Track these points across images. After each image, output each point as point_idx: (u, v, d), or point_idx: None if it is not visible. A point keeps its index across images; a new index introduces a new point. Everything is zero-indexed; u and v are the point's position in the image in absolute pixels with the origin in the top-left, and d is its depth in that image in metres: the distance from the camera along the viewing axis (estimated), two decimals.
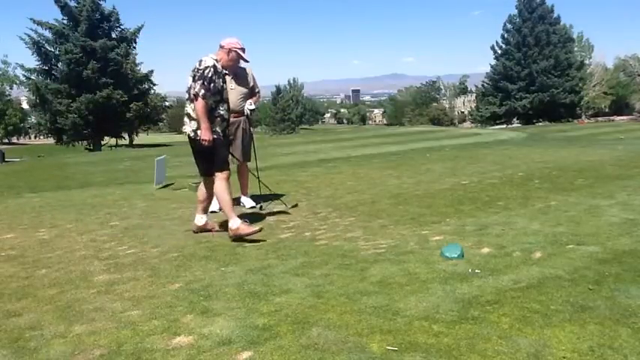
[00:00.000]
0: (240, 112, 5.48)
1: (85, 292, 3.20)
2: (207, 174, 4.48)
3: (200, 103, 4.21)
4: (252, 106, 5.53)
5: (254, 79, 5.66)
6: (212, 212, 5.50)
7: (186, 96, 4.37)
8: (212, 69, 4.26)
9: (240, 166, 5.71)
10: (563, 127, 23.17)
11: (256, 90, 5.68)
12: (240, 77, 5.54)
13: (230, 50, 4.47)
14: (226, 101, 4.45)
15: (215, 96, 4.29)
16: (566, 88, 40.65)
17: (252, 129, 5.73)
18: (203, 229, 4.52)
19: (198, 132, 4.27)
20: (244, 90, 5.53)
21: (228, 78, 5.55)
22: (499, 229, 4.37)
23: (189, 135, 4.39)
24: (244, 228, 4.21)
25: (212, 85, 4.25)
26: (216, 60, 4.35)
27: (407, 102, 73.89)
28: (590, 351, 2.27)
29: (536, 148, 11.83)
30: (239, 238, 4.19)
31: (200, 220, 4.53)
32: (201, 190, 4.54)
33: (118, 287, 3.27)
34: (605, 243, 3.85)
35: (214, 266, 3.63)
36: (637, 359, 2.21)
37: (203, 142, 4.26)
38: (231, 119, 5.51)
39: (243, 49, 4.55)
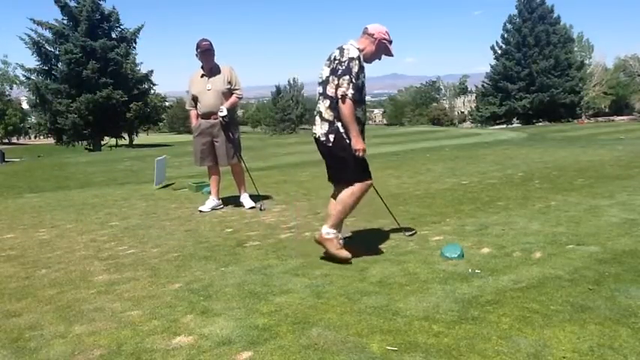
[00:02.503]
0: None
1: (85, 292, 3.20)
2: (337, 181, 3.74)
3: (348, 105, 3.42)
4: (224, 112, 5.31)
5: (233, 77, 5.47)
6: (200, 211, 5.52)
7: (319, 90, 3.61)
8: (357, 61, 3.48)
9: (232, 167, 5.68)
10: (563, 127, 23.18)
11: (234, 88, 5.47)
12: (216, 76, 5.41)
13: (379, 41, 3.61)
14: (364, 101, 3.67)
15: (355, 95, 3.49)
16: (566, 88, 40.65)
17: (232, 130, 5.51)
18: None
19: (330, 137, 3.53)
20: (221, 89, 5.39)
21: (205, 79, 5.45)
22: (499, 229, 4.37)
23: (318, 137, 3.60)
24: (335, 245, 3.55)
25: (357, 81, 3.49)
26: (359, 49, 3.57)
27: (407, 102, 73.80)
28: (590, 351, 2.27)
29: (536, 148, 11.82)
30: (328, 257, 3.59)
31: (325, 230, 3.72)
32: (332, 201, 3.74)
33: (118, 287, 3.27)
34: (605, 243, 3.85)
35: (214, 266, 3.63)
36: (637, 359, 2.21)
37: (357, 153, 3.53)
38: (212, 121, 5.47)
39: (391, 42, 3.71)
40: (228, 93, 5.44)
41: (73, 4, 31.33)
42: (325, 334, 2.50)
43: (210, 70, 5.44)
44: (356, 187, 3.56)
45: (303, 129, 66.43)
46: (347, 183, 3.61)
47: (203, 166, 5.70)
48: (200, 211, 5.56)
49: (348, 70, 3.44)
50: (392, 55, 3.73)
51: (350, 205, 3.59)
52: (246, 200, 5.75)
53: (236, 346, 2.41)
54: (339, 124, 3.51)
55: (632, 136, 15.68)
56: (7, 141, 52.92)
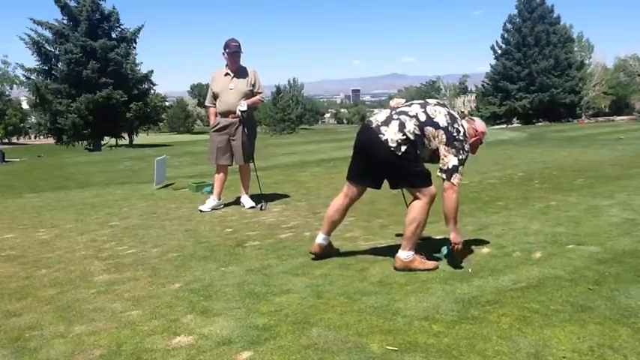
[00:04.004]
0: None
1: (85, 292, 3.20)
2: (360, 185, 3.62)
3: (455, 195, 3.44)
4: (243, 107, 5.40)
5: (257, 79, 5.58)
6: (200, 211, 5.52)
7: (418, 113, 3.41)
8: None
9: (241, 166, 5.71)
10: (563, 127, 23.18)
11: (258, 91, 5.59)
12: (241, 77, 5.52)
13: (479, 136, 3.62)
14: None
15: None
16: (566, 88, 40.66)
17: (249, 129, 5.59)
18: (326, 253, 3.72)
19: (402, 147, 3.34)
20: (243, 90, 5.47)
21: (228, 78, 5.55)
22: (499, 229, 4.37)
23: (385, 140, 3.35)
24: (420, 262, 3.44)
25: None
26: None
27: None
28: (590, 351, 2.27)
29: (536, 148, 11.83)
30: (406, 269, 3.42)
31: (320, 239, 3.71)
32: (333, 206, 3.69)
33: (118, 287, 3.27)
34: (605, 243, 3.85)
35: (214, 266, 3.63)
36: (637, 359, 2.21)
37: (456, 247, 3.48)
38: (231, 120, 5.52)
39: (482, 143, 3.74)
40: (250, 94, 5.52)
41: (73, 4, 31.31)
42: (325, 334, 2.50)
43: (236, 70, 5.51)
44: (424, 201, 3.45)
45: (303, 129, 66.47)
46: (409, 188, 3.54)
47: (218, 163, 5.69)
48: (200, 210, 5.56)
49: (463, 162, 3.44)
50: (474, 153, 3.69)
51: (423, 222, 3.45)
52: (246, 200, 5.75)
53: (236, 346, 2.41)
54: (413, 146, 3.38)
55: (632, 136, 15.68)
56: (7, 141, 52.93)
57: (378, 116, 3.54)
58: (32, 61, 46.06)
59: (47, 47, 31.29)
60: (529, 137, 16.38)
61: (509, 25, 42.64)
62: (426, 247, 3.86)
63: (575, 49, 47.55)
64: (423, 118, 3.40)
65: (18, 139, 57.09)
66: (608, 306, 2.72)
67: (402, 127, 3.37)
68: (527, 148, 11.90)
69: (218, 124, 5.57)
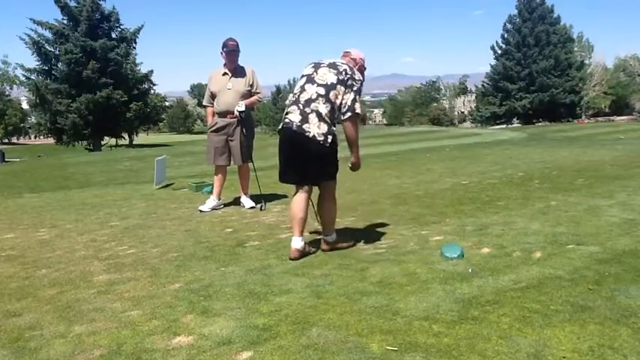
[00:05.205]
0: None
1: (85, 292, 3.20)
2: (315, 179, 3.79)
3: (355, 123, 3.66)
4: (242, 107, 5.38)
5: (255, 79, 5.56)
6: (200, 211, 5.52)
7: (319, 91, 3.60)
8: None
9: (240, 166, 5.71)
10: (563, 127, 23.17)
11: (256, 91, 5.57)
12: (239, 77, 5.49)
13: (360, 66, 3.85)
14: None
15: None
16: (566, 88, 40.65)
17: (247, 130, 5.59)
18: (305, 254, 3.76)
19: (329, 138, 3.59)
20: (241, 90, 5.44)
21: (226, 77, 5.53)
22: (499, 229, 4.36)
23: (313, 136, 3.56)
24: (344, 242, 3.90)
25: None
26: None
27: (407, 102, 73.79)
28: (590, 351, 2.27)
29: (536, 148, 11.83)
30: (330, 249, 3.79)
31: (299, 243, 3.73)
32: (298, 205, 3.75)
33: (118, 287, 3.27)
34: (605, 243, 3.84)
35: (214, 266, 3.63)
36: (637, 359, 2.21)
37: (353, 169, 3.85)
38: (229, 120, 5.50)
39: (365, 68, 3.96)
40: (247, 94, 5.50)
41: (73, 4, 31.32)
42: (325, 334, 2.50)
43: (234, 70, 5.48)
44: (332, 187, 3.81)
45: None
46: (323, 180, 3.78)
47: (216, 163, 5.67)
48: (200, 210, 5.56)
49: (360, 92, 3.67)
50: (362, 80, 3.85)
51: (335, 205, 3.86)
52: (246, 201, 5.76)
53: (236, 346, 2.41)
54: (334, 128, 3.64)
55: (632, 136, 15.68)
56: (7, 141, 52.95)
57: (292, 117, 3.65)
58: (32, 61, 46.03)
59: (47, 47, 31.29)
60: (529, 137, 16.38)
61: (509, 26, 42.65)
62: (436, 248, 3.87)
63: (575, 49, 47.52)
64: (322, 91, 3.60)
65: (18, 139, 57.09)
66: (608, 306, 2.71)
67: (319, 116, 3.57)
68: (527, 148, 11.90)
69: (216, 124, 5.55)
